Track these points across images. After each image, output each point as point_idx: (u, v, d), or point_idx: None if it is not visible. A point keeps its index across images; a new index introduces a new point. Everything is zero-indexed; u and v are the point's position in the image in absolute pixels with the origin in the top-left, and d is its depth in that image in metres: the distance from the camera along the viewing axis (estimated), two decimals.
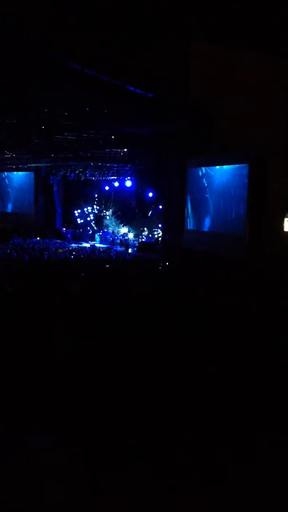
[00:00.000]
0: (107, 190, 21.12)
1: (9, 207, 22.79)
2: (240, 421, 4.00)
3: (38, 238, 18.97)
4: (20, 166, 20.51)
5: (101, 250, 16.57)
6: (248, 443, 3.67)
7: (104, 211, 21.67)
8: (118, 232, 20.67)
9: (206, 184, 14.45)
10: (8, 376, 4.52)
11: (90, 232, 20.86)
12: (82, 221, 21.70)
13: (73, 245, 18.55)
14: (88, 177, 19.86)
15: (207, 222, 14.45)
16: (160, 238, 18.16)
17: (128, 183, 19.39)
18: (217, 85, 12.68)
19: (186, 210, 15.28)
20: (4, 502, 2.92)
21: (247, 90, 12.97)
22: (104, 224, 21.51)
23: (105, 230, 20.98)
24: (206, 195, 14.41)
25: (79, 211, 21.83)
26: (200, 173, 14.72)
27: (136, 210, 19.84)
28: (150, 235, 19.38)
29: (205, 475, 3.28)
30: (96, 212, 21.76)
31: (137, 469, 3.29)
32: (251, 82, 13.08)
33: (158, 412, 4.00)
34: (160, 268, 13.17)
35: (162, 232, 17.88)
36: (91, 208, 21.78)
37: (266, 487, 3.19)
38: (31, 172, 21.23)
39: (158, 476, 3.24)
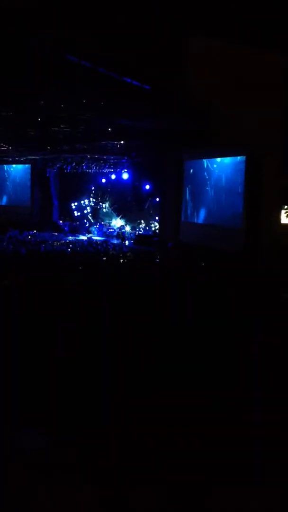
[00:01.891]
0: (104, 183, 21.06)
1: (5, 200, 22.72)
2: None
3: (34, 231, 18.93)
4: (16, 158, 20.41)
5: (98, 242, 16.57)
6: None
7: (101, 203, 21.63)
8: (114, 224, 20.66)
9: (202, 177, 14.44)
10: (3, 371, 4.51)
11: (87, 225, 20.84)
12: (79, 213, 21.66)
13: (70, 237, 18.53)
14: (85, 170, 19.79)
15: (203, 215, 14.46)
16: (157, 231, 18.16)
17: (125, 176, 19.34)
18: (214, 79, 12.64)
19: (182, 202, 15.28)
20: None
21: (245, 86, 12.94)
22: (101, 216, 21.48)
23: (102, 222, 20.95)
24: (203, 188, 14.40)
25: (76, 203, 21.77)
26: (197, 166, 14.70)
27: (133, 203, 19.81)
28: (147, 228, 19.37)
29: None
30: (93, 204, 21.71)
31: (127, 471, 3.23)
32: (248, 78, 13.04)
33: (156, 412, 3.96)
34: (157, 261, 13.20)
35: (159, 225, 17.87)
36: (88, 200, 21.73)
37: None
38: (27, 165, 21.14)
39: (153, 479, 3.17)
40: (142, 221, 19.67)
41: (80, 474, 3.15)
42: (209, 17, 12.24)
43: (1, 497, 2.88)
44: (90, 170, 19.97)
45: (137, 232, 18.98)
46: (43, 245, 14.79)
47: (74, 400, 4.09)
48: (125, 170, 19.29)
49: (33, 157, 19.46)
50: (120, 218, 20.72)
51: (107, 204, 21.45)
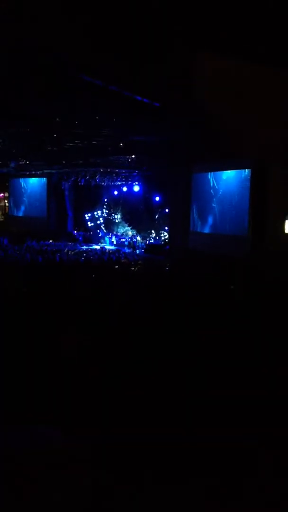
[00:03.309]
0: (116, 195, 21.29)
1: (23, 212, 23.04)
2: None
3: (51, 241, 19.16)
4: (34, 172, 20.74)
5: (110, 251, 16.71)
6: None
7: (113, 214, 21.84)
8: (126, 234, 20.82)
9: (210, 189, 14.54)
10: (18, 370, 4.58)
11: (100, 235, 21.03)
12: (92, 224, 21.88)
13: (84, 247, 18.72)
14: (98, 183, 20.04)
15: (211, 225, 14.53)
16: (167, 240, 18.27)
17: (136, 188, 19.55)
18: (221, 94, 12.77)
19: (191, 213, 15.38)
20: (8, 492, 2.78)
21: (250, 99, 13.05)
22: (113, 227, 21.67)
23: (114, 232, 21.13)
24: (210, 199, 14.49)
25: (89, 214, 22.01)
26: (205, 178, 14.81)
27: (144, 214, 19.98)
28: (157, 237, 19.50)
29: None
30: (106, 215, 21.93)
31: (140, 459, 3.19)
32: (253, 91, 13.15)
33: (160, 408, 3.95)
34: (167, 269, 13.29)
35: (169, 235, 17.99)
36: (101, 212, 21.95)
37: None
38: (43, 178, 21.45)
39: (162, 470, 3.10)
40: (153, 231, 19.81)
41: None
42: (217, 34, 12.39)
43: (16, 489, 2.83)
44: (103, 183, 20.22)
45: (147, 242, 19.11)
46: (58, 254, 14.97)
47: (82, 396, 4.12)
48: (136, 182, 19.50)
49: (49, 170, 19.77)
50: (132, 228, 20.89)
51: (119, 215, 21.65)
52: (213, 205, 14.38)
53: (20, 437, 3.39)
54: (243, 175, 13.25)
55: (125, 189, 20.37)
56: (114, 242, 19.74)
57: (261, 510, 2.65)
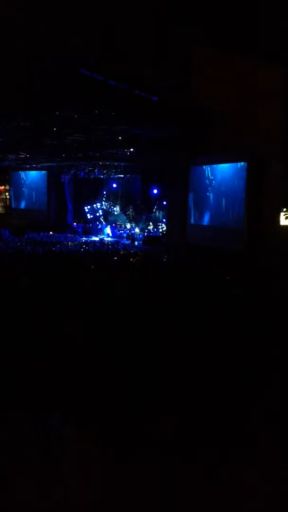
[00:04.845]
0: (115, 187, 21.15)
1: (24, 204, 22.89)
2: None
3: (51, 233, 19.06)
4: (34, 165, 20.57)
5: (109, 243, 16.63)
6: None
7: (112, 207, 21.71)
8: (125, 226, 20.72)
9: (208, 182, 14.44)
10: (28, 362, 4.55)
11: (99, 227, 20.92)
12: (91, 216, 21.75)
13: (83, 238, 18.63)
14: (97, 175, 19.89)
15: (208, 217, 14.45)
16: (164, 232, 18.18)
17: (135, 181, 19.39)
18: (219, 90, 12.66)
19: (189, 206, 15.27)
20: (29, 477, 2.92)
21: (247, 94, 12.94)
22: (112, 219, 21.55)
23: (113, 224, 21.02)
24: (208, 192, 14.39)
25: (88, 207, 21.87)
26: (202, 171, 14.70)
27: (142, 206, 19.85)
28: (155, 229, 19.40)
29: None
30: (105, 208, 21.79)
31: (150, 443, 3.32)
32: (250, 86, 13.04)
33: (165, 394, 4.02)
34: (164, 260, 13.22)
35: (166, 227, 17.90)
36: (100, 204, 21.82)
37: None
38: (44, 171, 21.29)
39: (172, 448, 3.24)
40: (151, 223, 19.70)
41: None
42: (214, 31, 12.26)
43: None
44: (102, 176, 20.07)
45: (145, 234, 19.01)
46: (58, 246, 14.88)
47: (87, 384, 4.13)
48: (135, 175, 19.34)
49: (49, 164, 19.60)
50: (130, 221, 20.77)
51: (117, 207, 21.52)
52: (210, 198, 14.28)
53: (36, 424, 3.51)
54: (238, 166, 13.13)
55: (123, 181, 20.22)
56: (110, 234, 19.64)
57: None
